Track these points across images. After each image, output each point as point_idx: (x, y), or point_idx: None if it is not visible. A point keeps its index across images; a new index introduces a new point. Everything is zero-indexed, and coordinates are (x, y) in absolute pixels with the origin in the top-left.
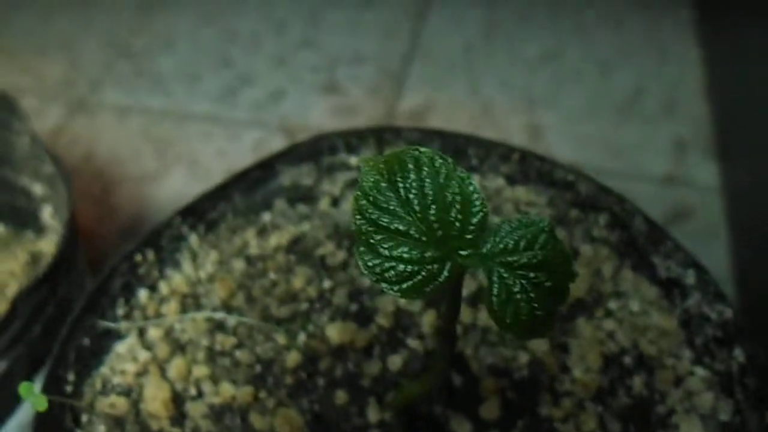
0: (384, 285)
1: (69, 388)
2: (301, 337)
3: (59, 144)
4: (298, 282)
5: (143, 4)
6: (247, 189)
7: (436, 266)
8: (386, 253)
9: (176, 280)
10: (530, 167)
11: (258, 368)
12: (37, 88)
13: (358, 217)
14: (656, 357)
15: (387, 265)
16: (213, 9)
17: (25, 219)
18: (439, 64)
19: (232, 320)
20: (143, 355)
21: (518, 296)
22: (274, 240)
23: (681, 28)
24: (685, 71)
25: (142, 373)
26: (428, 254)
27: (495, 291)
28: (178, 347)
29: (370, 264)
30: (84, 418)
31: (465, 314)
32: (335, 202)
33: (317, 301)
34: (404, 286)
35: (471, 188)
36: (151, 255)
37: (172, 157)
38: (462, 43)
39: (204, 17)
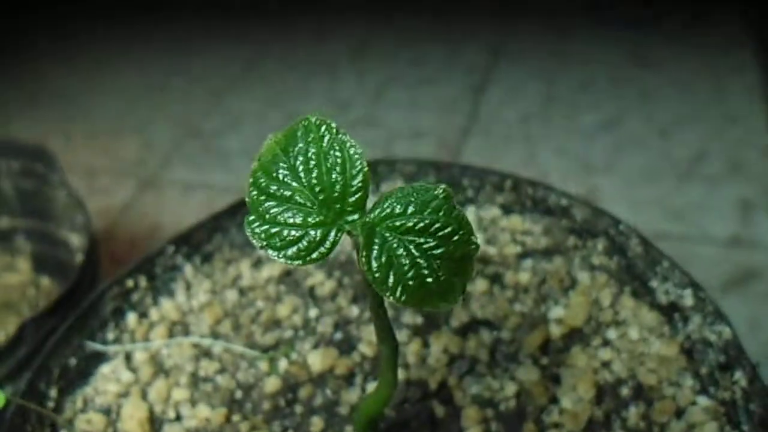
0: (270, 252)
1: (50, 404)
2: (283, 364)
3: (128, 218)
4: (284, 310)
5: (214, 90)
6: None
7: (320, 231)
8: (272, 219)
9: (167, 307)
10: (524, 195)
11: (238, 394)
12: (111, 167)
13: (252, 188)
14: (656, 387)
15: (273, 230)
16: (280, 92)
17: (66, 271)
18: (496, 134)
19: (217, 346)
20: (126, 377)
21: (402, 260)
22: (267, 271)
23: (747, 92)
24: (751, 133)
25: (123, 394)
26: (312, 219)
27: (374, 253)
28: (162, 371)
29: (257, 230)
30: None
31: (452, 344)
32: None
33: (302, 328)
34: (289, 252)
35: (352, 151)
36: (143, 282)
37: None
38: (520, 115)
39: (271, 101)
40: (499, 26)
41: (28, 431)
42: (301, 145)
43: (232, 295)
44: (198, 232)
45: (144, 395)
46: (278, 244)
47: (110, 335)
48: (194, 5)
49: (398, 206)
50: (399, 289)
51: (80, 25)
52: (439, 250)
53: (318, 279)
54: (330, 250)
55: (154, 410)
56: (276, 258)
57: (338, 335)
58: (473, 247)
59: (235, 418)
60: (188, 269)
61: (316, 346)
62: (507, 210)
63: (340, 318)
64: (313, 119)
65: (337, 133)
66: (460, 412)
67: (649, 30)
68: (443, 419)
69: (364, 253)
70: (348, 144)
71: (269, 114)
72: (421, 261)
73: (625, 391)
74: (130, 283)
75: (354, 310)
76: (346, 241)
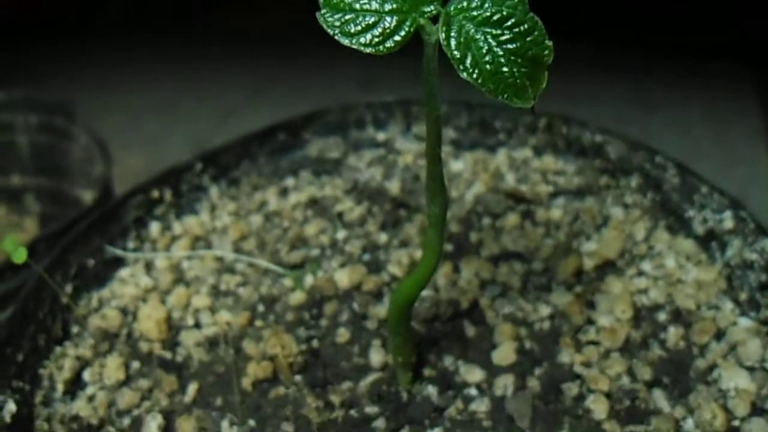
0: (343, 38)
1: (64, 300)
2: (308, 281)
3: None
4: (311, 229)
5: (223, 111)
6: (273, 153)
7: (395, 19)
8: (346, 6)
9: (191, 222)
10: (558, 135)
11: (260, 307)
12: (117, 175)
13: None
14: (694, 310)
15: (347, 17)
16: (288, 114)
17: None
18: None
19: (240, 262)
20: (145, 282)
21: (480, 44)
22: (294, 198)
23: (750, 136)
24: (756, 170)
25: (141, 298)
26: (388, 5)
27: (453, 33)
28: (183, 281)
29: (329, 19)
30: (74, 329)
31: (484, 269)
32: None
33: (329, 248)
34: (362, 39)
35: None
36: (168, 196)
37: None
38: None
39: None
40: None
41: (39, 318)
42: None
43: (257, 219)
44: (226, 154)
45: (163, 301)
46: (351, 31)
47: (131, 244)
48: (202, 30)
49: (475, 0)
50: (476, 70)
51: (86, 43)
52: (513, 45)
53: (347, 205)
54: (404, 39)
55: (172, 316)
56: (349, 44)
57: (366, 256)
58: (546, 51)
59: (258, 323)
60: (214, 191)
61: (343, 265)
62: (539, 151)
63: (369, 242)
64: None
65: None
66: (493, 331)
67: (651, 75)
68: (474, 338)
69: (444, 32)
70: None
71: None
72: (498, 50)
73: (662, 316)
74: (155, 193)
75: (383, 236)
76: (378, 172)
